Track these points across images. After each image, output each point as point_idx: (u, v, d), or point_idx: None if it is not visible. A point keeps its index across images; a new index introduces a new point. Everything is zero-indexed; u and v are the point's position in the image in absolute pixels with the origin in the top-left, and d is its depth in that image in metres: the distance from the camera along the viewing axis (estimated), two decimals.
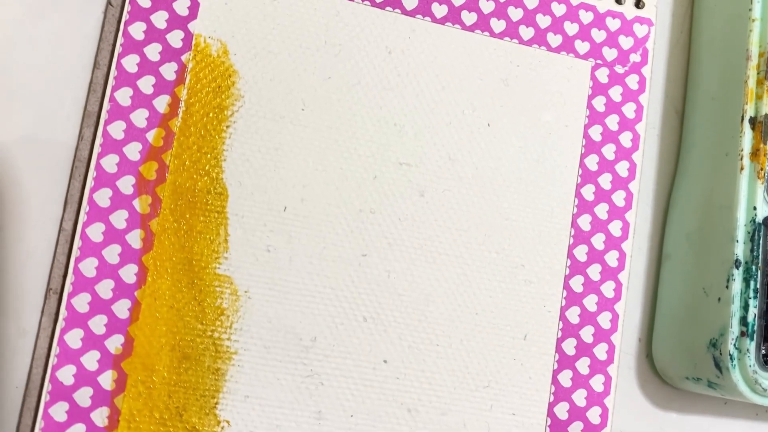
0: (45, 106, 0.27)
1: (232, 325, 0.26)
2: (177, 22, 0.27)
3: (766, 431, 0.33)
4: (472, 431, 0.28)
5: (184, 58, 0.27)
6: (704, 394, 0.31)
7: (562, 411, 0.28)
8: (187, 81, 0.27)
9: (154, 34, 0.26)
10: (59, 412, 0.25)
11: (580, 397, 0.29)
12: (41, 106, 0.27)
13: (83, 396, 0.25)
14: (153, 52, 0.26)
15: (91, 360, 0.25)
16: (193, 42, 0.27)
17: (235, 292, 0.26)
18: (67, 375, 0.25)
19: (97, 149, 0.26)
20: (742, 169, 0.29)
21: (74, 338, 0.25)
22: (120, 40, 0.26)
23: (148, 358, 0.25)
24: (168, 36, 0.27)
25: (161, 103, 0.26)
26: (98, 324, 0.25)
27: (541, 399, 0.28)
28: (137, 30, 0.26)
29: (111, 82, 0.26)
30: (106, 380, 0.25)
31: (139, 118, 0.26)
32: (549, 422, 0.28)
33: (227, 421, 0.26)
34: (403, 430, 0.27)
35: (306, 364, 0.27)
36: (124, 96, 0.26)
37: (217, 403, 0.26)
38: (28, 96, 0.27)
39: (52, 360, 0.25)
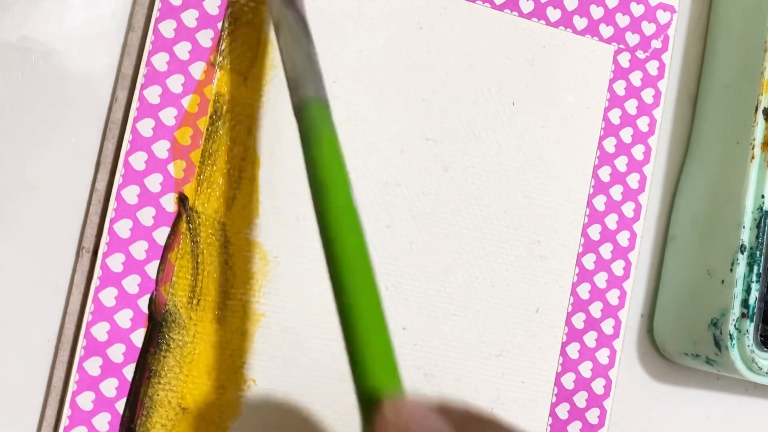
0: (77, 66, 0.27)
1: (261, 289, 0.27)
2: None
3: (755, 405, 0.35)
4: (484, 396, 0.29)
5: (220, 25, 0.27)
6: (700, 370, 0.33)
7: (568, 381, 0.30)
8: (222, 49, 0.27)
9: (191, 0, 0.27)
10: (93, 366, 0.26)
11: (586, 369, 0.30)
12: (73, 65, 0.27)
13: (116, 352, 0.26)
14: (190, 18, 0.27)
15: (124, 318, 0.26)
16: (229, 9, 0.27)
17: (264, 257, 0.27)
18: (101, 331, 0.26)
19: (133, 113, 0.26)
20: (753, 158, 0.30)
21: (108, 296, 0.26)
22: (157, 4, 0.26)
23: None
24: (205, 2, 0.27)
25: (197, 70, 0.27)
26: (132, 284, 0.26)
27: (550, 369, 0.30)
28: None
29: (148, 46, 0.26)
30: (139, 338, 0.26)
31: (175, 83, 0.26)
32: (556, 391, 0.30)
33: (253, 380, 0.27)
34: (419, 394, 0.29)
35: (330, 328, 0.28)
36: (160, 61, 0.26)
37: (244, 363, 0.27)
38: (59, 55, 0.27)
39: (87, 317, 0.26)
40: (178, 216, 0.26)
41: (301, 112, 0.22)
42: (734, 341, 0.29)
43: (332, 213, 0.20)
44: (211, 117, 0.27)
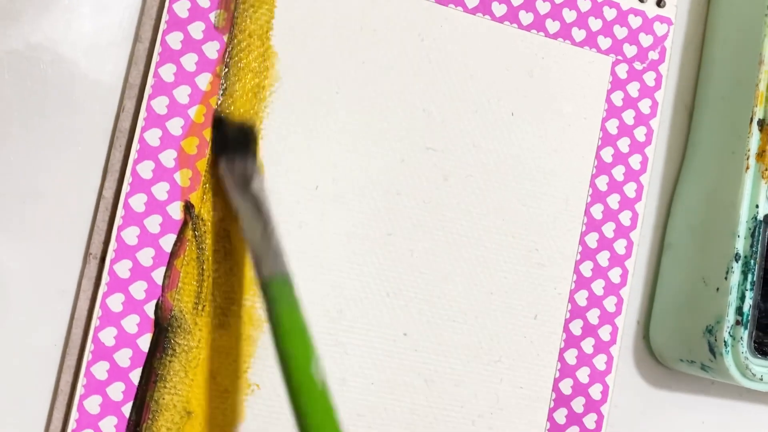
0: (85, 75, 0.27)
1: None
2: (220, 1, 0.27)
3: (749, 410, 0.35)
4: (483, 402, 0.30)
5: (226, 37, 0.27)
6: (695, 375, 0.33)
7: (566, 386, 0.31)
8: (228, 60, 0.27)
9: (197, 13, 0.27)
10: (100, 370, 0.26)
11: (583, 375, 0.31)
12: (80, 74, 0.27)
13: (123, 357, 0.26)
14: (196, 30, 0.27)
15: (131, 323, 0.26)
16: (235, 21, 0.28)
17: None
18: (108, 336, 0.26)
19: (140, 123, 0.27)
20: (747, 168, 0.30)
21: (115, 302, 0.26)
22: (165, 16, 0.27)
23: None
24: (211, 15, 0.27)
25: (203, 81, 0.27)
26: (138, 290, 0.27)
27: (548, 375, 0.30)
28: (182, 7, 0.27)
29: (155, 57, 0.27)
30: (145, 343, 0.26)
31: (182, 94, 0.27)
32: (554, 396, 0.31)
33: (257, 385, 0.27)
34: (419, 399, 0.29)
35: (332, 335, 0.28)
36: (167, 72, 0.27)
37: (248, 368, 0.27)
38: (67, 64, 0.27)
39: (95, 322, 0.26)
40: (185, 224, 0.27)
41: (263, 289, 0.24)
42: (729, 348, 0.30)
43: (293, 382, 0.22)
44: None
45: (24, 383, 0.26)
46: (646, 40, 0.32)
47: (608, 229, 0.31)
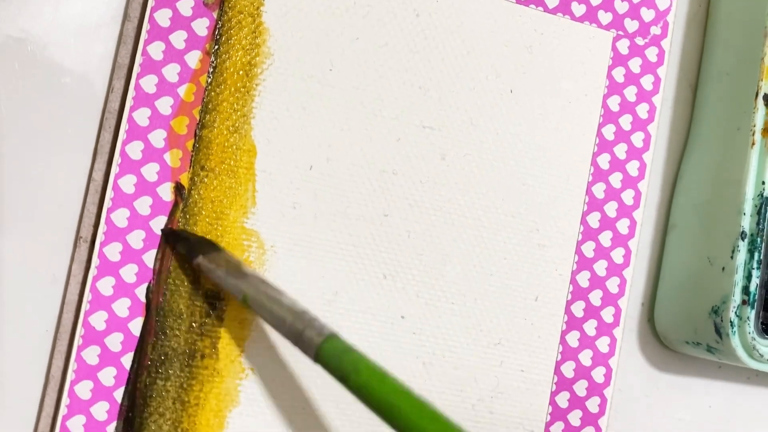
0: (73, 56, 0.27)
1: None
2: None
3: (757, 394, 0.34)
4: (483, 385, 0.29)
5: (215, 14, 0.27)
6: (701, 358, 0.32)
7: (568, 369, 0.30)
8: (218, 37, 0.27)
9: None
10: (91, 355, 0.26)
11: (586, 357, 0.30)
12: (69, 55, 0.27)
13: (114, 341, 0.26)
14: (185, 6, 0.27)
15: (122, 307, 0.26)
16: None
17: (261, 246, 0.27)
18: (99, 321, 0.26)
19: (129, 102, 0.26)
20: (753, 144, 0.30)
21: (106, 286, 0.26)
22: None
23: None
24: None
25: (193, 59, 0.27)
26: (129, 273, 0.26)
27: (549, 357, 0.30)
28: None
29: (143, 35, 0.26)
30: (136, 327, 0.26)
31: (171, 72, 0.26)
32: (555, 379, 0.30)
33: (251, 369, 0.27)
34: (417, 383, 0.28)
35: (327, 318, 0.28)
36: (156, 50, 0.26)
37: (241, 352, 0.27)
38: (55, 45, 0.27)
39: (85, 306, 0.26)
40: (175, 205, 0.26)
41: (317, 359, 0.22)
42: (735, 328, 0.29)
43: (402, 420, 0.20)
44: (206, 105, 0.27)
45: (15, 369, 0.26)
46: (647, 14, 0.31)
47: (610, 209, 0.31)
